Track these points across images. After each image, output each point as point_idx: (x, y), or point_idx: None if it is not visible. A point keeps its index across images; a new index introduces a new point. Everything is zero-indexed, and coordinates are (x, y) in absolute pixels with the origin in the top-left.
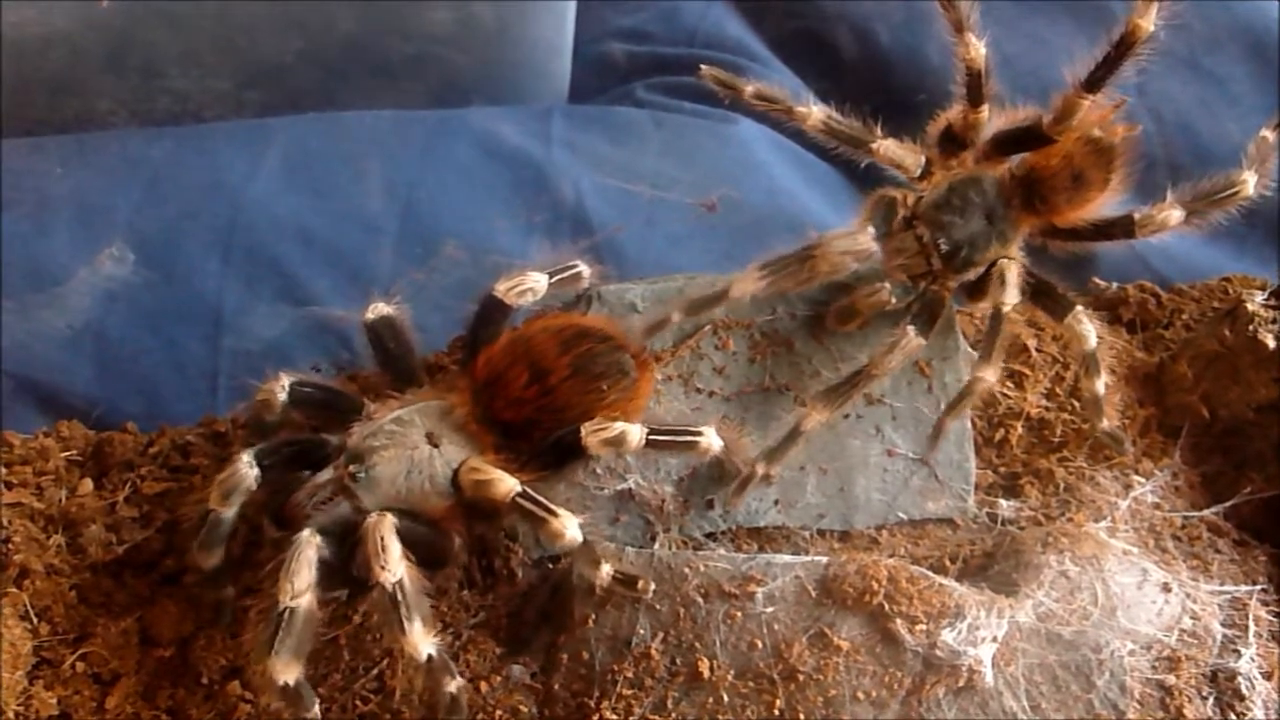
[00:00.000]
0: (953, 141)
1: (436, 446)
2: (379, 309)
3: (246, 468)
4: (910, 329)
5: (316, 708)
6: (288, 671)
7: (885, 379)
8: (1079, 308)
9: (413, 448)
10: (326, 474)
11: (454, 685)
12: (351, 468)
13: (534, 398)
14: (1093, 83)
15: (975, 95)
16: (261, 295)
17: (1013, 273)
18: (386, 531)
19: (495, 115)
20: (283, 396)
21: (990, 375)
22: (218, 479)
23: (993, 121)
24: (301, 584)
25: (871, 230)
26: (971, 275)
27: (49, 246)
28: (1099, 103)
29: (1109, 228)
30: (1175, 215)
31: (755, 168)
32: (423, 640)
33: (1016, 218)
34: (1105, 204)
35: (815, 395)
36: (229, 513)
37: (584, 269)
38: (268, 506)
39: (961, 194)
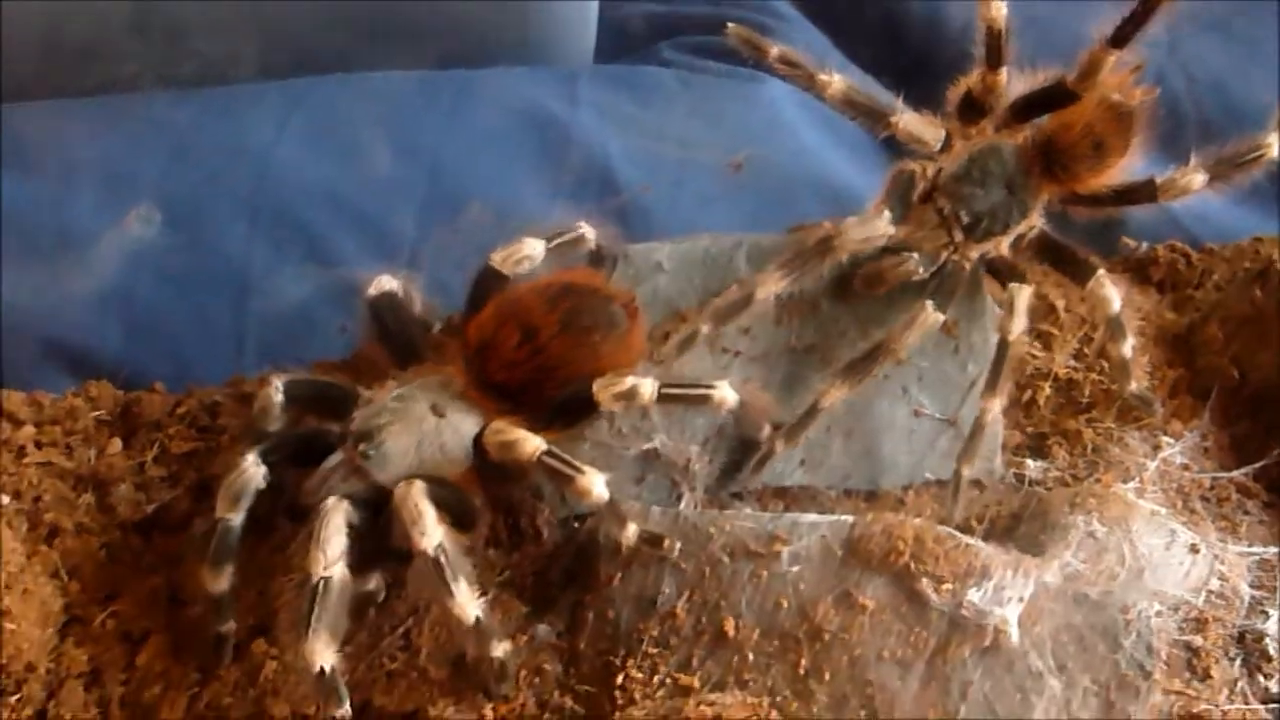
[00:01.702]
0: (972, 108)
1: (442, 417)
2: (382, 284)
3: (254, 467)
4: (929, 304)
5: (347, 705)
6: (326, 654)
7: (904, 352)
8: (1101, 272)
9: (419, 420)
10: (336, 458)
11: (501, 649)
12: (361, 446)
13: (526, 357)
14: (1119, 39)
15: (995, 56)
16: (288, 257)
17: (1023, 299)
18: (419, 497)
19: (521, 76)
20: (279, 399)
21: (996, 406)
22: (224, 483)
23: (1012, 86)
24: (334, 552)
25: (888, 214)
26: (992, 246)
27: (76, 210)
28: (1124, 60)
29: (1131, 193)
30: (1198, 179)
31: (782, 127)
32: (470, 602)
33: (1037, 186)
34: (1126, 168)
35: (835, 372)
36: (238, 518)
37: (587, 231)
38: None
39: (981, 164)
